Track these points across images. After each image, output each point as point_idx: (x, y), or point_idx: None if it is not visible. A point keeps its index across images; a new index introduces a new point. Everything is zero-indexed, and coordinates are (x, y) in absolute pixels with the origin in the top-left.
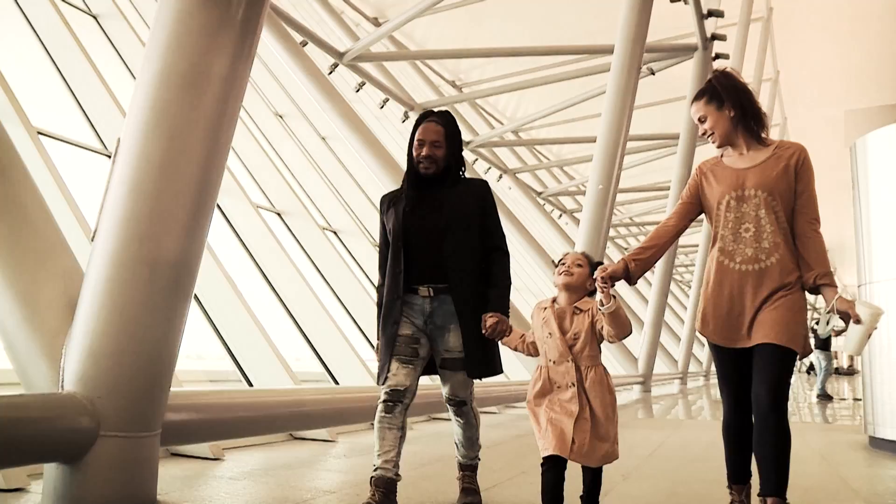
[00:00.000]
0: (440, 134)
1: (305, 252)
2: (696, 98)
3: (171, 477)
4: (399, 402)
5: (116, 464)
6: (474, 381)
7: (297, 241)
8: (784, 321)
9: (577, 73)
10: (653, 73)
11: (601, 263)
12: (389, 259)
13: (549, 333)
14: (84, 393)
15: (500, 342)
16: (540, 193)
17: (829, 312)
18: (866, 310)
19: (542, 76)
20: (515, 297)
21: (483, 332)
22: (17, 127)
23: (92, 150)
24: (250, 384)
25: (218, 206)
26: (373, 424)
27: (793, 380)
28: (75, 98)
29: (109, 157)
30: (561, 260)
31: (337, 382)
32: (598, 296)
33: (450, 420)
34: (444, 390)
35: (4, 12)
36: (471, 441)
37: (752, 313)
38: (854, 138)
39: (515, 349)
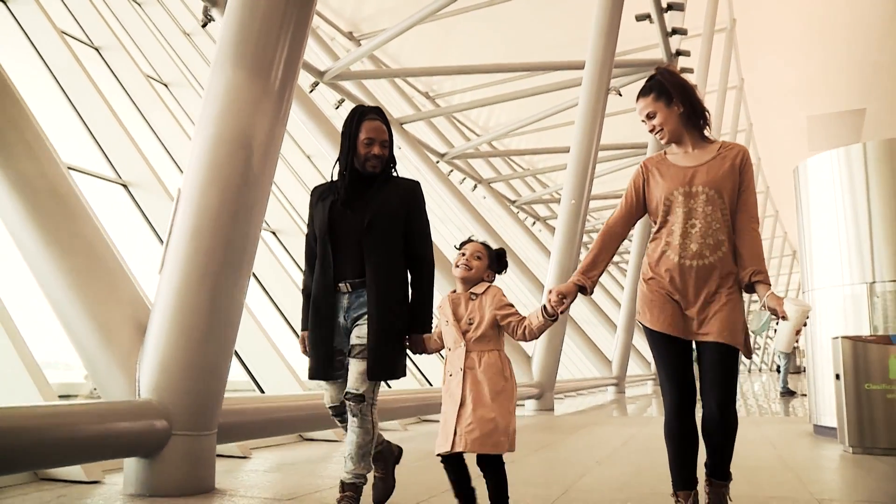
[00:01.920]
0: (386, 133)
1: (300, 267)
2: (643, 94)
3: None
4: (343, 413)
5: (185, 457)
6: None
7: (292, 257)
8: (727, 321)
9: (548, 88)
10: (619, 95)
11: (501, 251)
12: (318, 253)
13: (446, 321)
14: (158, 399)
15: (426, 354)
16: (514, 202)
17: (760, 309)
18: (794, 307)
19: (514, 91)
20: None
21: (394, 326)
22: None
23: (106, 179)
24: (262, 391)
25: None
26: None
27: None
28: (89, 131)
29: (124, 186)
30: (461, 249)
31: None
32: (544, 306)
33: (388, 430)
34: (347, 386)
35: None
36: (361, 452)
37: (698, 307)
38: (817, 142)
39: (438, 351)
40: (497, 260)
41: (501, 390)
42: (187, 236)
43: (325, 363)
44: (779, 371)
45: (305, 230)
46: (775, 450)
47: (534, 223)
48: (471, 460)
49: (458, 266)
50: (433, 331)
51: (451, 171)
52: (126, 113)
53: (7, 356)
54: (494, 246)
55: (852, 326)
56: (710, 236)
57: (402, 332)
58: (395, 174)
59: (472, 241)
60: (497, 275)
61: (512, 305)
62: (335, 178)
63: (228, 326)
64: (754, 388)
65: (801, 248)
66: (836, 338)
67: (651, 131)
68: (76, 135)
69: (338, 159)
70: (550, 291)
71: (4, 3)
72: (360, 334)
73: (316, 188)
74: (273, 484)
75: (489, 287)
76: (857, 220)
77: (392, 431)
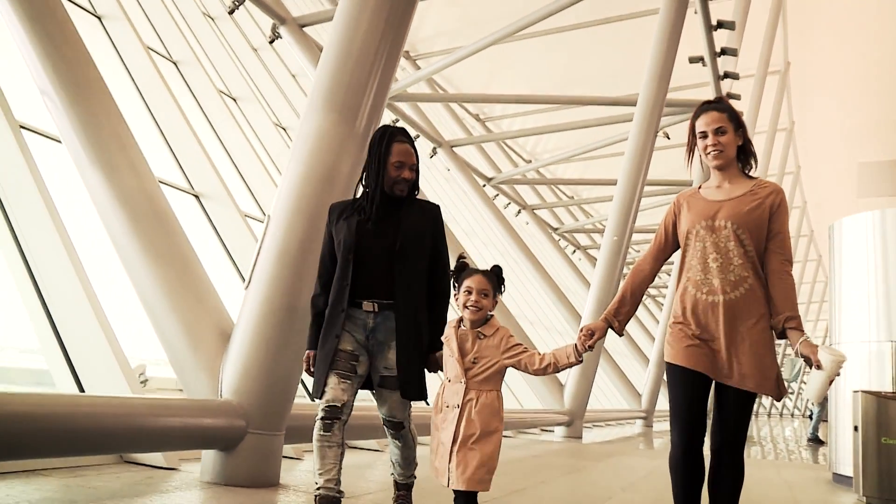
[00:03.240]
0: (414, 157)
1: None
2: (718, 109)
3: None
4: (337, 418)
5: (256, 453)
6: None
7: None
8: (752, 365)
9: (597, 122)
10: (668, 138)
11: (499, 269)
12: (337, 271)
13: (450, 354)
14: (238, 400)
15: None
16: (556, 229)
17: (794, 356)
18: (828, 356)
19: (564, 122)
20: (529, 331)
21: (422, 348)
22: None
23: (180, 189)
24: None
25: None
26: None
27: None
28: (167, 142)
29: (196, 197)
30: (463, 285)
31: None
32: (575, 346)
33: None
34: (383, 411)
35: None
36: (408, 461)
37: (723, 345)
38: (866, 189)
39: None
40: (499, 284)
41: (494, 431)
42: (273, 258)
43: (323, 380)
44: (810, 418)
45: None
46: (791, 492)
47: (574, 251)
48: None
49: (466, 308)
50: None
51: (497, 195)
52: (199, 126)
53: (101, 352)
54: (508, 250)
55: (875, 381)
56: (732, 272)
57: (427, 354)
58: (417, 196)
59: (469, 268)
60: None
61: (520, 344)
62: (357, 195)
63: (302, 339)
64: (784, 433)
65: (831, 301)
66: (857, 391)
67: (711, 147)
68: (155, 146)
69: (361, 178)
70: (581, 329)
71: (100, 20)
72: (388, 364)
73: (335, 205)
74: None
75: (497, 329)
76: (888, 280)
77: (368, 450)
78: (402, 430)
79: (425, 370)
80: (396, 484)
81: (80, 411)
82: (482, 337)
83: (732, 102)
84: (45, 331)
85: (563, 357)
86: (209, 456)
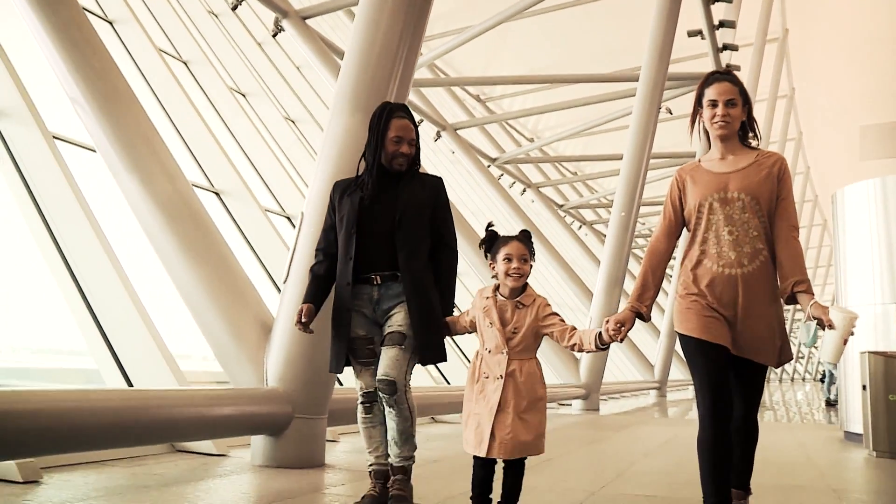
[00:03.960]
0: (413, 131)
1: None
2: (732, 81)
3: None
4: (374, 401)
5: (303, 436)
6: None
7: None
8: (766, 339)
9: (598, 98)
10: (670, 113)
11: (530, 236)
12: (340, 246)
13: (490, 323)
14: (283, 388)
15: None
16: (561, 206)
17: (806, 320)
18: (840, 315)
19: (565, 101)
20: None
21: (434, 312)
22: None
23: (201, 188)
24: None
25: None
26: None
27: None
28: (184, 142)
29: (216, 194)
30: (503, 252)
31: None
32: (601, 334)
33: (452, 423)
34: (378, 371)
35: None
36: (405, 436)
37: (738, 317)
38: (869, 152)
39: (460, 334)
40: (532, 249)
41: (540, 398)
42: (309, 254)
43: (342, 357)
44: (822, 381)
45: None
46: (804, 450)
47: (580, 227)
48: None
49: (508, 275)
50: (463, 318)
51: (502, 175)
52: (213, 123)
53: (147, 348)
54: (516, 228)
55: (881, 342)
56: (748, 244)
57: (440, 316)
58: (418, 171)
59: (503, 236)
60: None
61: (555, 314)
62: (360, 172)
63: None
64: (796, 396)
65: (836, 266)
66: (864, 352)
67: (720, 117)
68: (173, 145)
69: (363, 155)
70: (608, 321)
71: (111, 24)
72: (392, 323)
73: (339, 182)
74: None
75: (535, 299)
76: (891, 244)
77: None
78: (395, 394)
79: (442, 333)
80: (391, 467)
81: (142, 404)
82: (521, 307)
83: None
84: (91, 332)
85: (587, 342)
86: (259, 441)
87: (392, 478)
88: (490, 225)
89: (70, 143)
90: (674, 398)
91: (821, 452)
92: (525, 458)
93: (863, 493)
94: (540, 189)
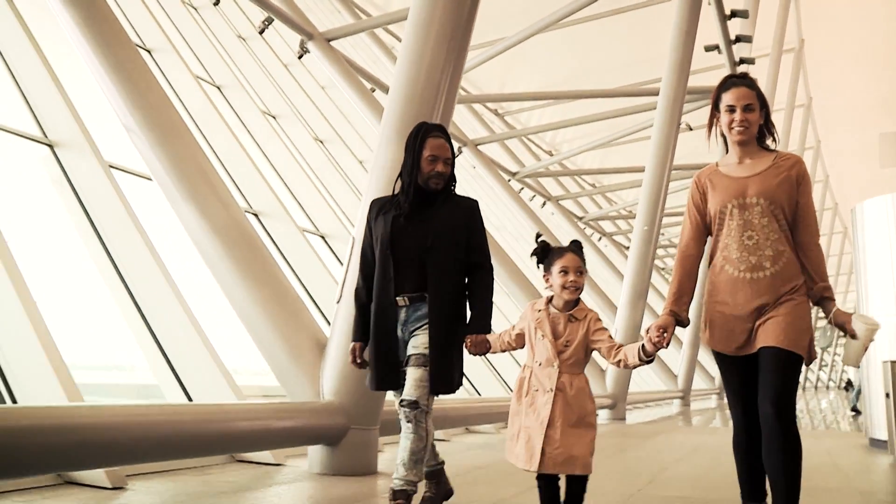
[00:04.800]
0: (449, 151)
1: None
2: (748, 85)
3: None
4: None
5: (358, 446)
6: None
7: (341, 262)
8: (787, 325)
9: (617, 113)
10: (690, 129)
11: (581, 246)
12: (377, 266)
13: (542, 335)
14: (339, 401)
15: (487, 354)
16: (581, 218)
17: (828, 325)
18: (862, 324)
19: (584, 115)
20: None
21: (454, 343)
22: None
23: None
24: None
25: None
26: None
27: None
28: (222, 165)
29: (255, 215)
30: (559, 263)
31: None
32: (643, 346)
33: (486, 433)
34: (403, 393)
35: None
36: (415, 459)
37: (754, 321)
38: (888, 159)
39: (503, 351)
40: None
41: (590, 412)
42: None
43: (391, 374)
44: (846, 389)
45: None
46: (830, 456)
47: (600, 239)
48: None
49: (565, 288)
50: (506, 334)
51: (522, 188)
52: (247, 146)
53: (205, 364)
54: (521, 257)
55: None
56: (769, 247)
57: (460, 345)
58: (454, 192)
59: (556, 248)
60: None
61: (605, 330)
62: (396, 191)
63: None
64: (821, 404)
65: (857, 278)
66: (887, 361)
67: (740, 122)
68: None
69: (400, 174)
70: (648, 330)
71: (150, 53)
72: (416, 344)
73: (375, 201)
74: None
75: (587, 313)
76: None
77: (485, 434)
78: (416, 411)
79: (460, 362)
80: (392, 491)
81: (217, 418)
82: (573, 320)
83: None
84: (150, 349)
85: (631, 357)
86: (316, 450)
87: (392, 501)
88: (539, 235)
89: (124, 171)
90: (697, 407)
91: (847, 458)
92: (586, 476)
93: (889, 496)
94: (560, 202)
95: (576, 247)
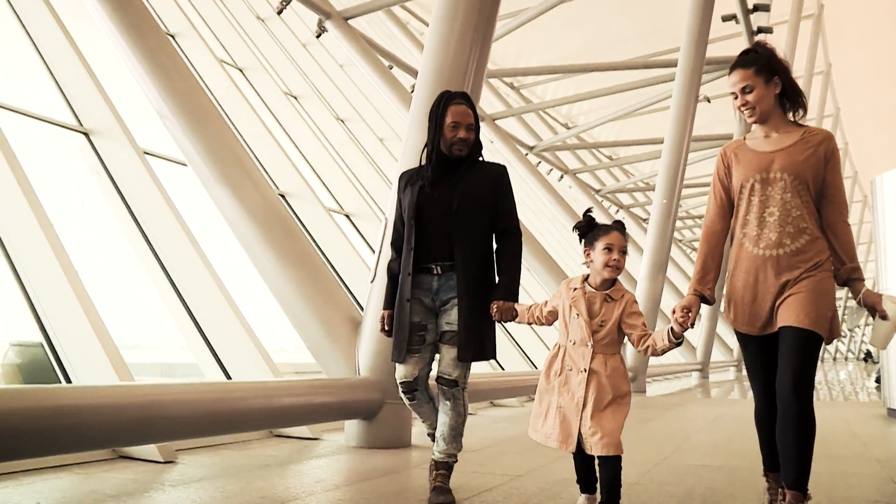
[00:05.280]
0: (472, 117)
1: (372, 249)
2: (743, 66)
3: None
4: (413, 391)
5: (393, 420)
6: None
7: (366, 241)
8: (808, 304)
9: (635, 85)
10: (708, 101)
11: (625, 228)
12: (405, 237)
13: (577, 314)
14: (375, 377)
15: (514, 322)
16: (598, 191)
17: (857, 306)
18: (893, 305)
19: (600, 88)
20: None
21: (485, 310)
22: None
23: None
24: None
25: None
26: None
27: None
28: (249, 148)
29: (282, 196)
30: (604, 240)
31: None
32: (672, 328)
33: (510, 406)
34: (440, 368)
35: None
36: (454, 433)
37: (774, 298)
38: None
39: (530, 323)
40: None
41: (626, 393)
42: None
43: (404, 347)
44: (865, 361)
45: (380, 214)
46: (848, 425)
47: (617, 211)
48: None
49: (608, 265)
50: (536, 308)
51: (539, 162)
52: (272, 127)
53: (243, 343)
54: (556, 215)
55: None
56: (790, 224)
57: (490, 317)
58: (481, 158)
59: (602, 225)
60: None
61: (639, 315)
62: (423, 162)
63: None
64: (840, 376)
65: (877, 251)
66: None
67: (742, 106)
68: None
69: (426, 144)
70: (674, 310)
71: (173, 37)
72: (449, 320)
73: (404, 173)
74: None
75: (624, 294)
76: None
77: (509, 407)
78: (454, 389)
79: (492, 330)
80: (434, 462)
81: (263, 394)
82: (609, 300)
83: None
84: (189, 330)
85: (660, 342)
86: (352, 425)
87: (435, 472)
88: (588, 210)
89: (159, 157)
90: (715, 379)
91: (864, 427)
92: (620, 456)
93: None
94: (577, 175)
95: (621, 226)
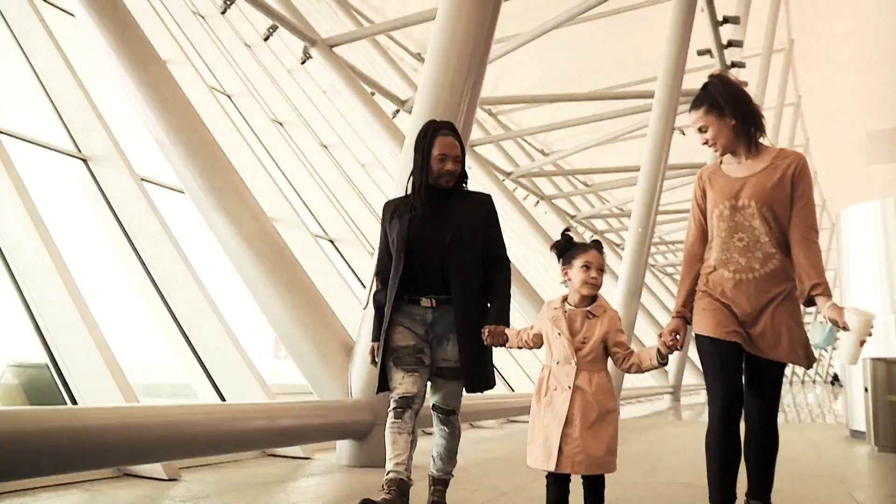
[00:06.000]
0: (458, 148)
1: (356, 274)
2: (695, 106)
3: None
4: (408, 407)
5: (383, 441)
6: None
7: (349, 266)
8: (789, 339)
9: (611, 115)
10: (683, 134)
11: (602, 248)
12: (392, 268)
13: (559, 333)
14: (366, 399)
15: (504, 347)
16: (573, 217)
17: (822, 322)
18: (856, 317)
19: (580, 117)
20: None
21: (483, 341)
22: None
23: None
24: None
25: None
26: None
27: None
28: None
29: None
30: (581, 257)
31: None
32: (659, 350)
33: (489, 427)
34: (435, 398)
35: None
36: (450, 454)
37: (752, 318)
38: (876, 157)
39: (519, 347)
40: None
41: (611, 410)
42: None
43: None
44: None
45: (363, 239)
46: (813, 447)
47: (592, 237)
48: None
49: (586, 283)
50: (525, 332)
51: (516, 188)
52: (259, 153)
53: (236, 365)
54: (532, 240)
55: (883, 349)
56: (759, 250)
57: (489, 346)
58: (466, 188)
59: (580, 243)
60: None
61: (622, 332)
62: (409, 191)
63: None
64: (807, 399)
65: (840, 280)
66: (867, 358)
67: (704, 143)
68: None
69: (411, 174)
70: (661, 335)
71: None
72: (446, 356)
73: (389, 203)
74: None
75: (606, 311)
76: (889, 261)
77: (489, 429)
78: (451, 417)
79: (491, 356)
80: (433, 479)
81: (262, 415)
82: (591, 317)
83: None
84: (184, 352)
85: (646, 360)
86: (345, 444)
87: (433, 487)
88: (567, 230)
89: (155, 184)
90: (687, 402)
91: (828, 448)
92: (604, 476)
93: (865, 480)
94: (553, 201)
95: (599, 245)
